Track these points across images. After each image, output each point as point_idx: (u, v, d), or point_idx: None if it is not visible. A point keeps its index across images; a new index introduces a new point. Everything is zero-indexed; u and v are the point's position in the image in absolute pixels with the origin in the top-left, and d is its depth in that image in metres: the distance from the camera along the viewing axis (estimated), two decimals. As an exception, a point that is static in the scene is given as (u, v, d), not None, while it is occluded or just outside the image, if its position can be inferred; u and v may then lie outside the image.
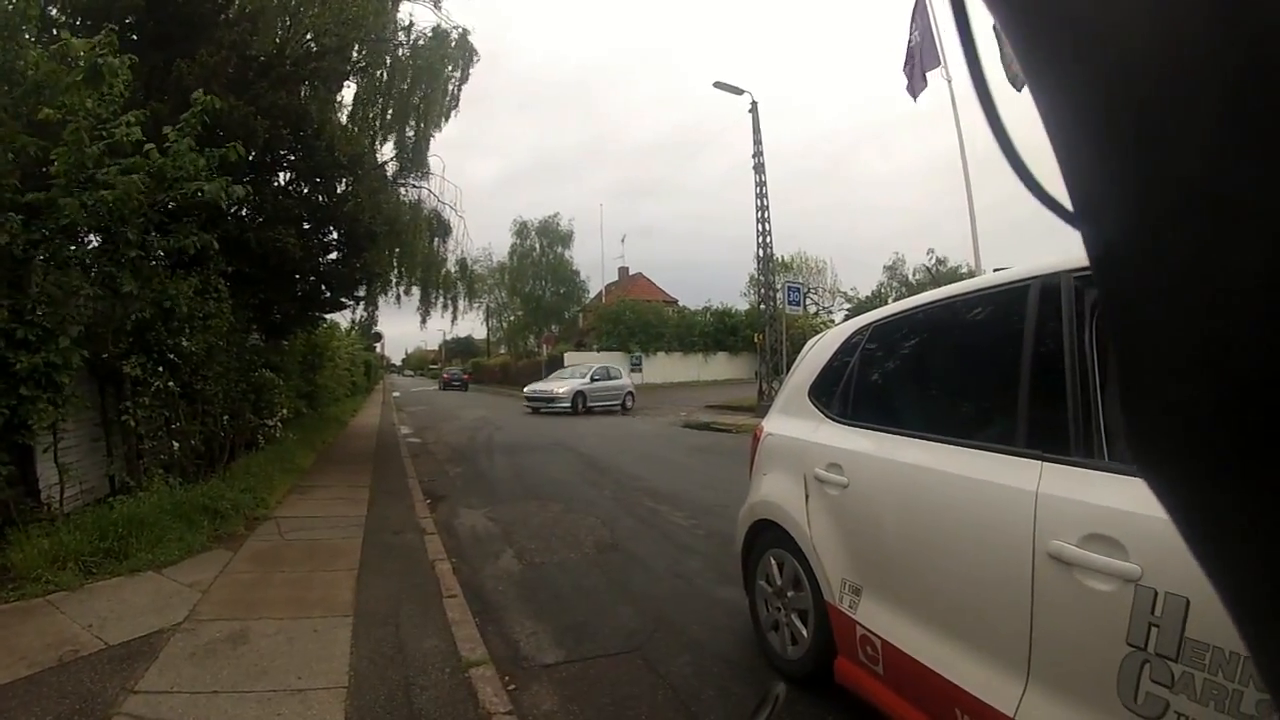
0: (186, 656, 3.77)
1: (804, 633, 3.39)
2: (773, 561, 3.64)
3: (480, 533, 6.91)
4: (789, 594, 3.51)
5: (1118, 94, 0.32)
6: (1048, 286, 2.35)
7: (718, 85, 23.02)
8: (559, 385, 24.73)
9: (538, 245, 54.25)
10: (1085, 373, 2.15)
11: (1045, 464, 2.19)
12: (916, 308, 3.20)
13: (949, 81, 17.01)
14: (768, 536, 3.68)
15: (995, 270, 2.85)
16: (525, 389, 26.70)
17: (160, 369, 6.79)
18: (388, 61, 12.88)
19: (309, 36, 11.50)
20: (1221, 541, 0.36)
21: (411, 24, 13.28)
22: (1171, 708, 1.72)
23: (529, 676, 3.74)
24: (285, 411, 11.19)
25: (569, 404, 23.70)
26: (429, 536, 6.46)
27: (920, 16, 17.27)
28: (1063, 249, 2.16)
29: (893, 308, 3.43)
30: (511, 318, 56.53)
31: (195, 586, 4.88)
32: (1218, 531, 0.36)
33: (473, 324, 68.52)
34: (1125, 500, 1.91)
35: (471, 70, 14.25)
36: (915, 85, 17.51)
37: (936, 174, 77.71)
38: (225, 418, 8.21)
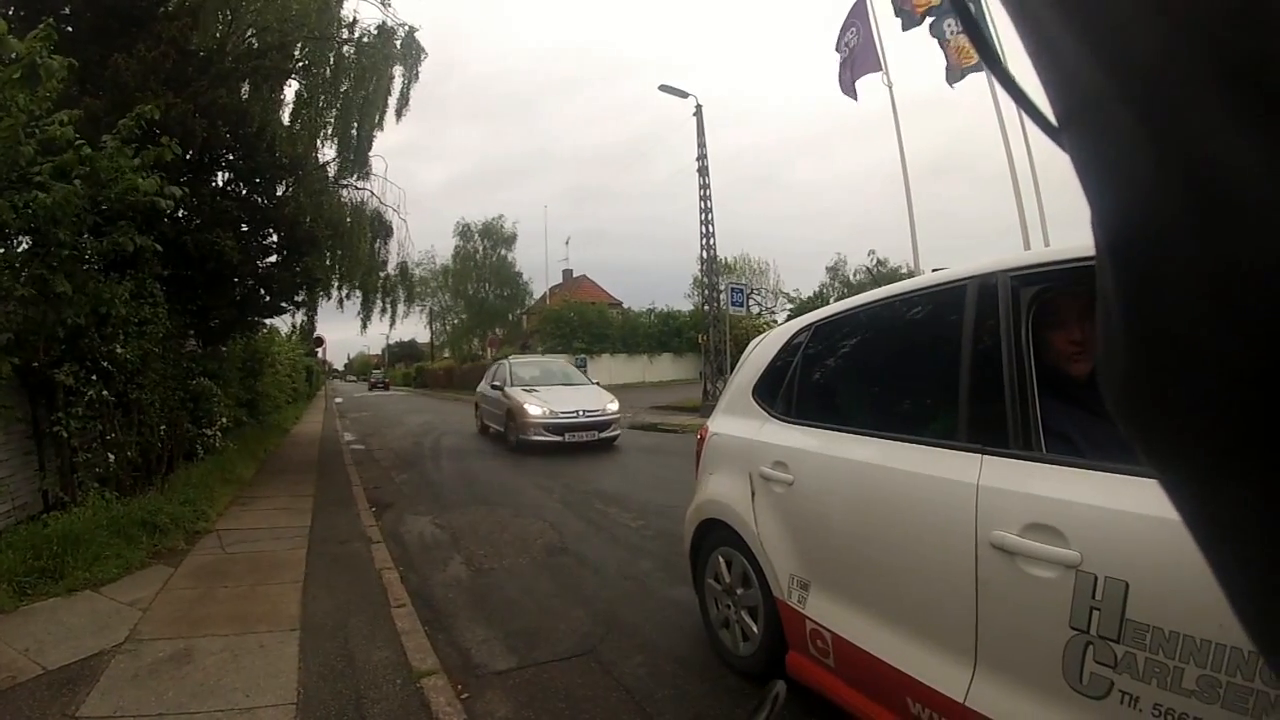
0: (129, 679, 3.63)
1: (754, 629, 3.41)
2: (721, 560, 3.65)
3: (428, 540, 6.79)
4: (738, 591, 3.52)
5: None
6: (985, 285, 2.41)
7: (663, 88, 23.12)
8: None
9: (481, 247, 53.40)
10: (1022, 368, 2.21)
11: (986, 457, 2.24)
12: (857, 307, 3.24)
13: (889, 87, 17.29)
14: (715, 535, 3.69)
15: (934, 270, 2.90)
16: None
17: (94, 377, 6.51)
18: (331, 59, 12.53)
19: (250, 33, 11.08)
20: (1230, 541, 0.36)
21: (356, 20, 12.99)
22: (1116, 686, 1.78)
23: (482, 684, 3.68)
24: (225, 420, 10.85)
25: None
26: (375, 545, 6.34)
27: (859, 20, 17.50)
28: (998, 251, 2.24)
29: (834, 308, 3.47)
30: (455, 321, 55.65)
31: (136, 605, 4.71)
32: (1227, 531, 0.35)
33: (416, 327, 67.80)
34: (1064, 490, 1.98)
35: (420, 69, 14.01)
36: (848, 86, 17.73)
37: (877, 179, 79.04)
38: (162, 428, 7.89)
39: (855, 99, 17.80)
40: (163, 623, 4.44)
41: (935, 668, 2.33)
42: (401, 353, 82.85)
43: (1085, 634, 1.85)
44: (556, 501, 8.41)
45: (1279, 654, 0.36)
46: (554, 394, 14.11)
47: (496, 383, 15.40)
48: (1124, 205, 0.33)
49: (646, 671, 3.75)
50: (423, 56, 13.97)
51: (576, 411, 13.37)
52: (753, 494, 3.36)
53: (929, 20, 16.24)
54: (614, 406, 14.21)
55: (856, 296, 3.38)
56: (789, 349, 3.56)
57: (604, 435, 13.55)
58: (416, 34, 13.70)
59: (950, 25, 15.95)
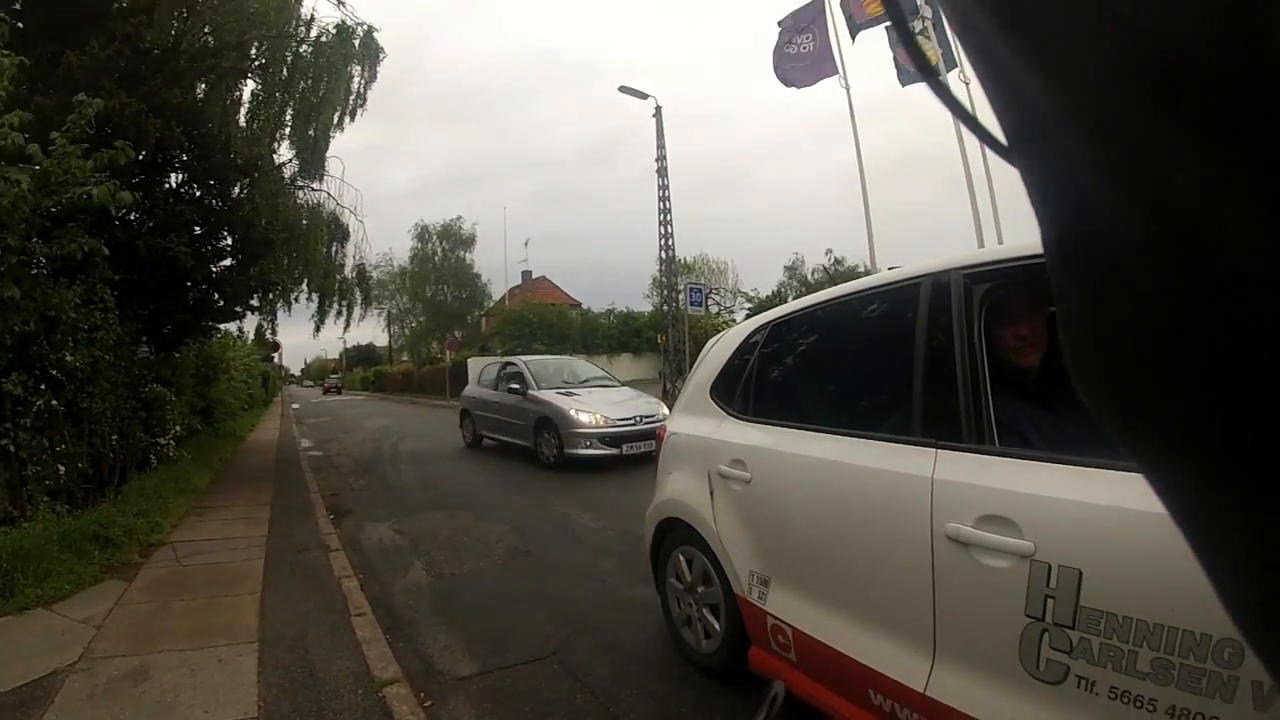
0: (85, 698, 3.51)
1: (716, 626, 3.41)
2: (681, 559, 3.64)
3: (388, 546, 6.70)
4: (699, 589, 3.51)
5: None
6: (938, 283, 2.45)
7: (623, 90, 23.19)
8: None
9: (439, 249, 52.70)
10: (975, 364, 2.25)
11: (940, 451, 2.27)
12: (813, 306, 3.27)
13: (847, 90, 17.47)
14: (675, 534, 3.68)
15: (889, 269, 2.93)
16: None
17: (43, 386, 6.26)
18: (289, 58, 12.27)
19: (207, 30, 10.82)
20: (1211, 532, 0.36)
21: (314, 19, 12.76)
22: (1072, 672, 1.82)
23: (445, 691, 3.63)
24: (179, 429, 10.58)
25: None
26: (334, 554, 6.23)
27: (816, 24, 17.64)
28: (951, 249, 2.28)
29: (790, 306, 3.49)
30: (413, 323, 54.88)
31: (89, 622, 4.56)
32: (1209, 523, 0.35)
33: (374, 331, 66.81)
34: (1017, 482, 2.02)
35: (379, 69, 13.83)
36: (792, 80, 17.88)
37: (836, 181, 79.63)
38: (114, 437, 7.64)
39: (792, 88, 18.00)
40: (118, 639, 4.31)
41: (895, 659, 2.35)
42: (359, 357, 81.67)
43: (1041, 621, 1.88)
44: (517, 504, 8.35)
45: (1265, 643, 0.36)
46: (597, 398, 11.67)
47: (514, 385, 12.41)
48: (1078, 219, 0.33)
49: (611, 672, 3.73)
50: (382, 56, 13.80)
51: (634, 418, 10.82)
52: (711, 492, 3.36)
53: (883, 26, 16.48)
54: (664, 411, 10.85)
55: (812, 295, 3.40)
56: (745, 348, 3.58)
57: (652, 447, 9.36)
58: (376, 34, 13.53)
59: (920, 29, 16.18)
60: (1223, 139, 0.27)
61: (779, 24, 18.30)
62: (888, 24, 16.45)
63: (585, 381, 12.88)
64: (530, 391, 11.99)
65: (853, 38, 17.10)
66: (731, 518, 3.22)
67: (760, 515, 3.09)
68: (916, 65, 0.49)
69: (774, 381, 3.43)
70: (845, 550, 2.62)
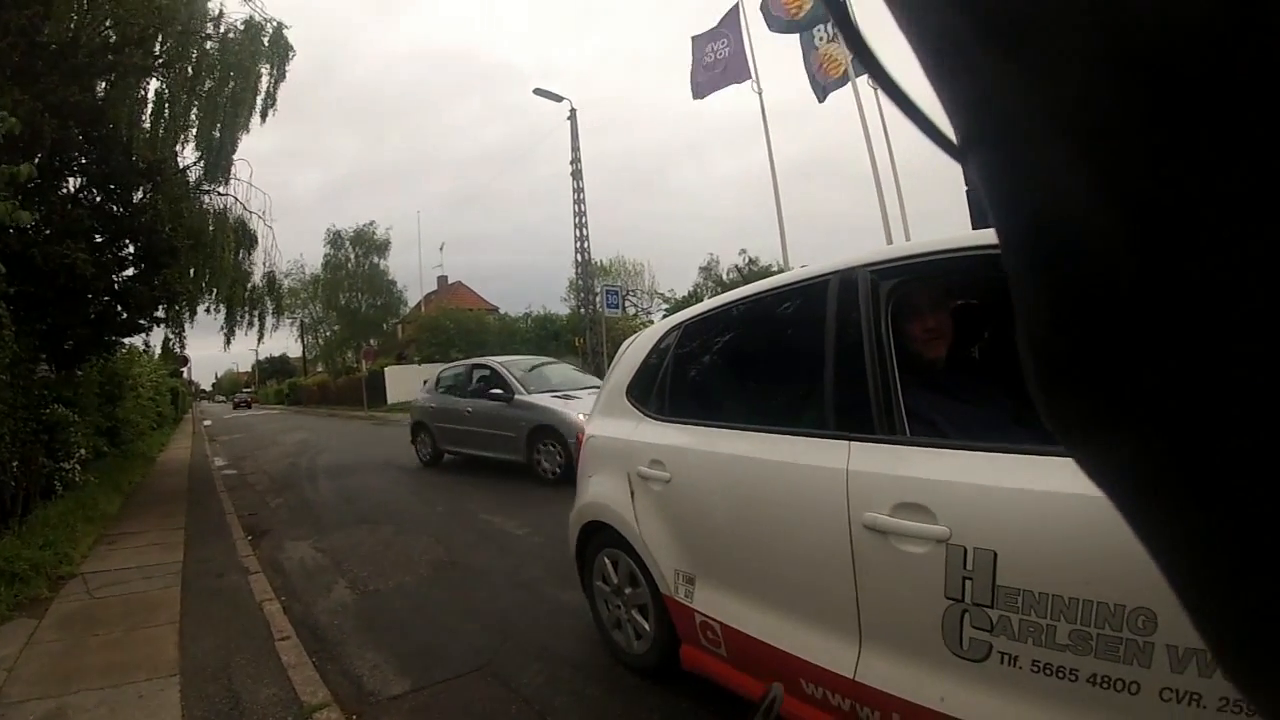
0: (-6, 751, 3.28)
1: (646, 627, 3.39)
2: (607, 561, 3.61)
3: (309, 566, 6.47)
4: (627, 591, 3.49)
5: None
6: (846, 280, 2.48)
7: (538, 92, 23.10)
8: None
9: (352, 255, 51.00)
10: (883, 357, 2.29)
11: (853, 443, 2.30)
12: (724, 305, 3.29)
13: (759, 94, 17.67)
14: (600, 537, 3.64)
15: (801, 268, 2.97)
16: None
17: None
18: (194, 55, 11.70)
19: (109, 24, 10.09)
20: (1144, 511, 0.36)
21: (221, 14, 12.22)
22: (994, 648, 1.86)
23: (377, 711, 3.52)
24: (84, 451, 10.00)
25: None
26: (254, 576, 5.98)
27: (730, 30, 17.74)
28: (861, 247, 2.46)
29: (702, 306, 3.51)
30: (328, 333, 53.31)
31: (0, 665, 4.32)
32: (1141, 503, 0.35)
33: (287, 341, 64.73)
34: (929, 470, 2.06)
35: (289, 68, 13.32)
36: (705, 88, 18.05)
37: (749, 182, 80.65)
38: (15, 464, 7.17)
39: (701, 97, 18.18)
40: (31, 681, 4.03)
41: (823, 648, 2.37)
42: (273, 369, 79.15)
43: (961, 602, 1.92)
44: (441, 515, 8.19)
45: (1204, 617, 0.36)
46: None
47: (496, 390, 10.91)
48: (1049, 217, 0.33)
49: (544, 680, 3.67)
50: (291, 54, 13.30)
51: None
52: (632, 494, 3.34)
53: (799, 33, 16.79)
54: None
55: (724, 295, 3.41)
56: (660, 349, 3.57)
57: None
58: (286, 31, 13.04)
59: (819, 34, 16.46)
60: (1221, 137, 0.26)
61: (693, 39, 18.45)
62: (803, 31, 16.88)
63: (581, 386, 11.03)
64: (519, 397, 10.54)
65: (770, 30, 17.35)
66: (653, 518, 3.20)
67: (682, 514, 3.08)
68: (869, 69, 0.48)
69: (689, 381, 3.44)
70: (767, 544, 2.63)
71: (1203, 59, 0.26)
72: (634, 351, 3.78)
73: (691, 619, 2.98)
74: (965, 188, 14.42)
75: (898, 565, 2.08)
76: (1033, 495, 1.80)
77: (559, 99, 23.37)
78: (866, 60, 0.49)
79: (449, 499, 9.22)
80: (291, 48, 13.24)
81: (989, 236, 2.41)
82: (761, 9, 17.21)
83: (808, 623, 2.46)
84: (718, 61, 17.99)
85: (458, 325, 43.60)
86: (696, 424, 3.17)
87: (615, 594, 3.59)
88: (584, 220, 23.81)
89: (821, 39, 16.61)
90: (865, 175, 15.49)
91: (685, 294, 52.38)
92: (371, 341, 48.81)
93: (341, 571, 6.15)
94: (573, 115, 23.66)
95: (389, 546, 6.88)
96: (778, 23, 17.06)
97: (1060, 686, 1.75)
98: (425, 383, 13.95)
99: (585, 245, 24.10)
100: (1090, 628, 1.67)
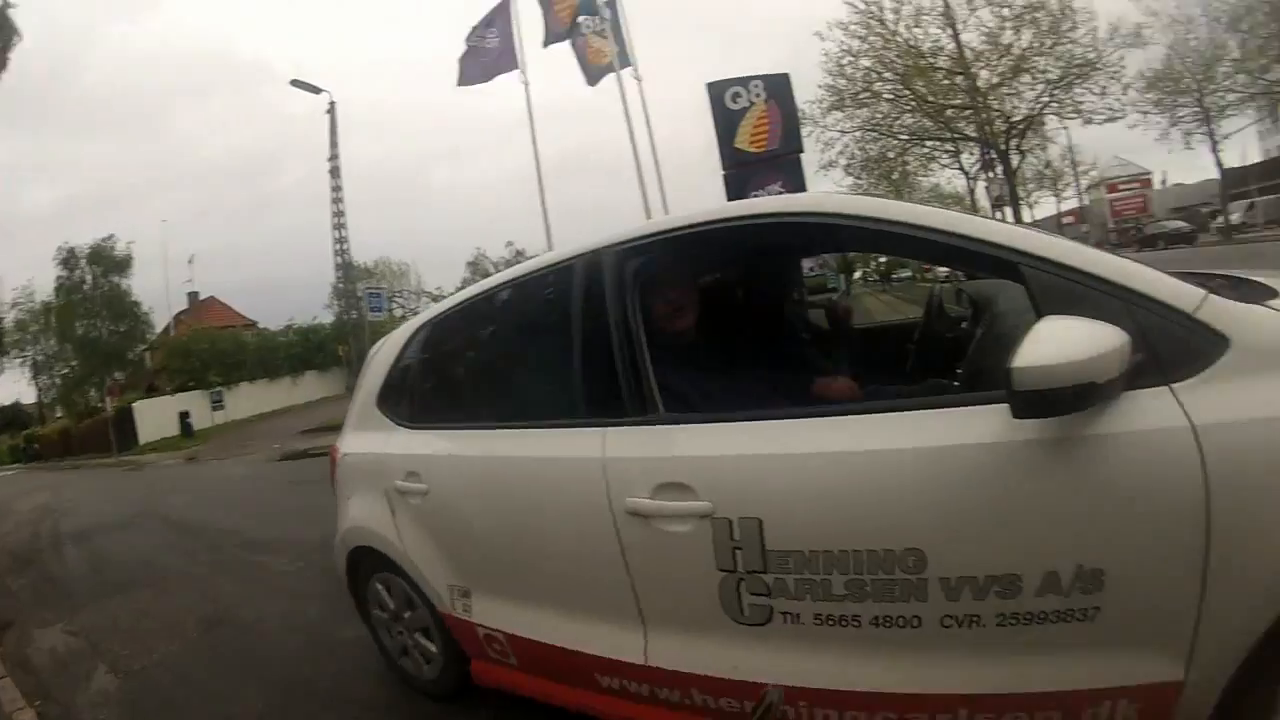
0: None
1: (432, 649, 3.06)
2: (380, 587, 3.24)
3: (63, 654, 5.40)
4: (406, 615, 3.14)
5: None
6: (591, 263, 2.33)
7: (295, 83, 21.09)
8: None
9: (89, 276, 42.34)
10: (631, 338, 2.16)
11: (607, 429, 2.15)
12: (470, 299, 3.03)
13: (525, 85, 17.21)
14: (368, 562, 3.26)
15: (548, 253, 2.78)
16: None
17: None
18: None
19: None
20: None
21: None
22: (775, 610, 1.82)
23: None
24: None
25: None
26: (1, 682, 4.96)
27: (501, 19, 17.20)
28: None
29: (448, 302, 3.22)
30: (65, 370, 45.45)
31: None
32: None
33: (19, 385, 55.21)
34: (686, 447, 1.97)
35: (10, 55, 11.05)
36: (472, 77, 17.62)
37: (514, 177, 79.42)
38: None
39: (466, 85, 17.65)
40: None
41: (610, 639, 2.23)
42: (5, 420, 68.44)
43: (734, 573, 1.85)
44: (205, 565, 7.27)
45: None
46: None
47: None
48: None
49: (337, 728, 3.22)
50: (15, 39, 11.03)
51: None
52: (393, 511, 2.97)
53: (571, 36, 16.74)
54: None
55: (469, 288, 3.16)
56: (408, 351, 3.23)
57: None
58: (10, 10, 10.85)
59: (588, 23, 16.30)
60: None
61: (471, 30, 17.87)
62: (572, 26, 16.76)
63: None
64: None
65: (545, 45, 17.11)
66: (418, 534, 2.86)
67: (445, 526, 2.78)
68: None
69: (440, 382, 3.18)
70: (535, 545, 2.43)
71: None
72: (383, 356, 3.40)
73: (475, 633, 2.69)
74: (723, 172, 15.03)
75: (665, 546, 1.97)
76: (791, 459, 1.77)
77: (317, 91, 21.57)
78: None
79: (210, 544, 8.24)
80: (17, 31, 11.07)
81: (730, 209, 2.32)
82: (544, 18, 17.00)
83: (590, 617, 2.30)
84: (487, 51, 17.57)
85: (212, 346, 39.60)
86: (451, 428, 2.91)
87: (395, 620, 3.23)
88: (343, 220, 22.30)
89: (588, 29, 16.60)
90: (628, 165, 15.54)
91: (454, 290, 51.18)
92: (117, 375, 42.97)
93: (100, 654, 5.18)
94: (332, 109, 21.94)
95: (149, 614, 5.94)
96: (553, 35, 16.99)
97: (846, 634, 1.74)
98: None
99: (345, 247, 22.64)
100: (864, 575, 1.68)
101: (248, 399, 38.03)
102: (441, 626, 2.91)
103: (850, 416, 1.83)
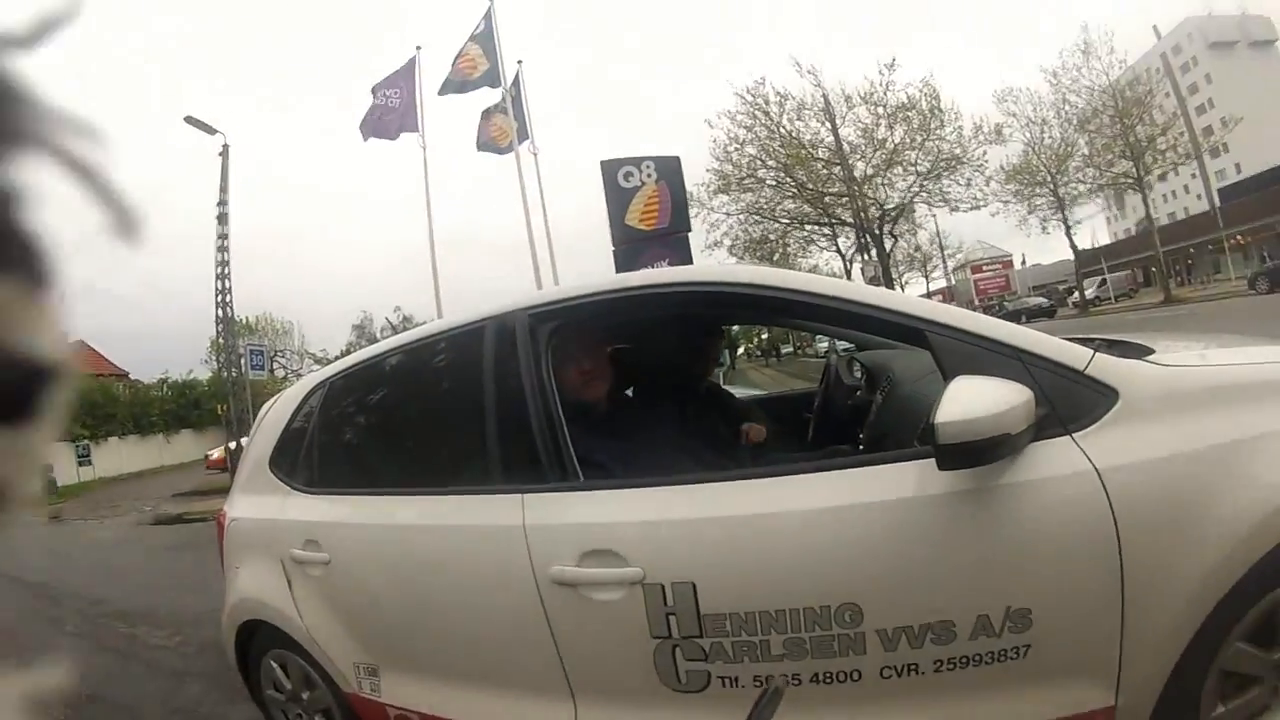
0: None
1: (335, 733, 2.82)
2: (275, 665, 2.98)
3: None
4: (304, 696, 2.89)
5: None
6: (504, 326, 2.26)
7: (189, 121, 19.51)
8: None
9: None
10: (547, 403, 2.09)
11: (526, 496, 2.05)
12: (374, 358, 2.89)
13: (424, 149, 17.19)
14: (261, 637, 3.00)
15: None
16: None
17: None
18: None
19: None
20: None
21: None
22: (713, 675, 1.77)
23: None
24: None
25: None
26: None
27: (405, 81, 17.24)
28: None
29: (349, 360, 3.05)
30: None
31: None
32: None
33: None
34: (610, 513, 1.90)
35: None
36: (372, 132, 17.27)
37: (407, 244, 76.89)
38: None
39: (364, 140, 17.63)
40: None
41: (537, 715, 2.11)
42: None
43: (669, 638, 1.79)
44: (71, 637, 6.60)
45: None
46: None
47: None
48: None
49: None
50: None
51: None
52: (289, 582, 2.74)
53: (468, 92, 16.72)
54: None
55: (373, 346, 3.02)
56: (304, 410, 3.02)
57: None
58: None
59: (501, 105, 16.59)
60: None
61: (373, 89, 17.66)
62: (470, 91, 16.68)
63: None
64: None
65: (440, 93, 17.12)
66: (318, 607, 2.65)
67: (349, 599, 2.58)
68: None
69: (341, 444, 2.97)
70: (453, 618, 2.27)
71: None
72: (275, 415, 3.17)
73: (385, 715, 2.48)
74: (613, 248, 15.12)
75: (594, 615, 1.89)
76: (723, 521, 1.75)
77: (212, 131, 19.95)
78: None
79: (79, 611, 7.52)
80: None
81: (640, 278, 2.31)
82: (452, 71, 16.86)
83: (514, 692, 2.17)
84: (389, 109, 17.31)
85: (78, 397, 36.82)
86: (353, 493, 2.72)
87: (292, 701, 2.95)
88: (228, 271, 20.80)
89: (500, 110, 16.87)
90: (520, 242, 15.68)
91: (339, 353, 49.07)
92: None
93: (-55, 746, 4.72)
94: (225, 151, 20.41)
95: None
96: (451, 85, 16.89)
97: (787, 693, 1.61)
98: None
99: (228, 299, 21.22)
100: (803, 633, 1.66)
101: (117, 455, 35.40)
102: (346, 707, 2.68)
103: (780, 478, 1.83)
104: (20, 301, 0.23)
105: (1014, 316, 37.09)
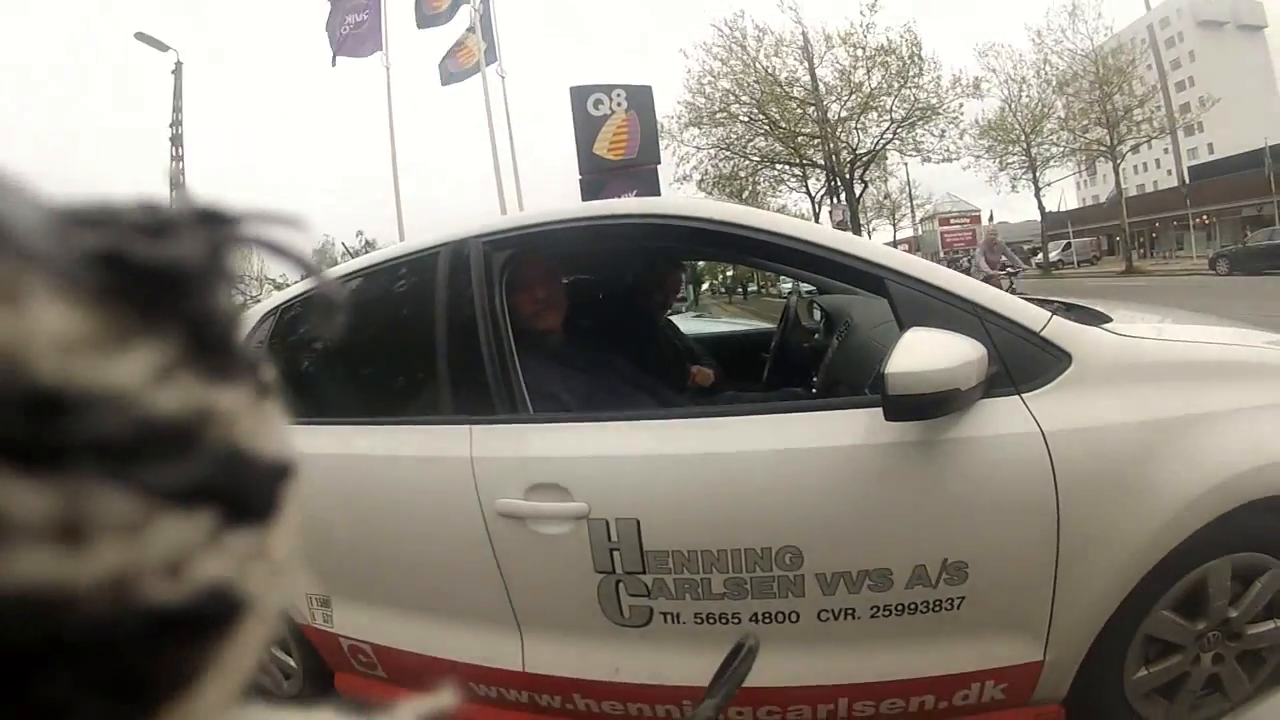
0: None
1: (291, 664, 2.83)
2: (227, 595, 2.99)
3: None
4: (257, 627, 2.91)
5: None
6: (457, 252, 2.19)
7: (139, 37, 18.54)
8: None
9: None
10: (499, 333, 2.05)
11: (475, 428, 2.02)
12: None
13: (387, 69, 16.49)
14: (213, 570, 3.00)
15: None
16: None
17: None
18: None
19: None
20: None
21: None
22: (655, 610, 1.79)
23: None
24: None
25: None
26: None
27: (372, 8, 16.58)
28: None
29: (298, 288, 2.86)
30: None
31: None
32: None
33: None
34: (559, 447, 1.88)
35: None
36: (340, 54, 16.74)
37: (369, 167, 75.07)
38: None
39: (333, 64, 16.94)
40: None
41: (485, 647, 2.11)
42: None
43: (613, 574, 1.79)
44: None
45: None
46: None
47: None
48: None
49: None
50: None
51: None
52: None
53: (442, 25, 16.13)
54: None
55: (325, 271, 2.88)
56: (253, 340, 2.84)
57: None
58: None
59: (471, 25, 15.85)
60: None
61: (332, 4, 16.85)
62: (445, 23, 16.05)
63: None
64: None
65: (419, 28, 16.49)
66: None
67: (301, 530, 2.57)
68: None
69: (292, 377, 2.85)
70: (401, 549, 2.27)
71: None
72: None
73: (337, 645, 2.49)
74: (579, 176, 14.66)
75: (540, 549, 1.89)
76: (668, 459, 1.75)
77: (165, 48, 18.96)
78: None
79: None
80: None
81: (601, 207, 2.29)
82: (415, 8, 16.16)
83: (462, 624, 2.17)
84: (355, 30, 16.68)
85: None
86: (304, 424, 2.59)
87: None
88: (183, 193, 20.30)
89: (463, 37, 16.21)
90: (485, 168, 15.10)
91: (296, 279, 47.98)
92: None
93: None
94: (178, 69, 19.50)
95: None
96: (424, 19, 16.27)
97: (726, 630, 1.73)
98: None
99: None
100: (743, 573, 1.67)
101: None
102: (300, 638, 2.68)
103: (728, 418, 1.84)
104: (252, 406, 0.25)
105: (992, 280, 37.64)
